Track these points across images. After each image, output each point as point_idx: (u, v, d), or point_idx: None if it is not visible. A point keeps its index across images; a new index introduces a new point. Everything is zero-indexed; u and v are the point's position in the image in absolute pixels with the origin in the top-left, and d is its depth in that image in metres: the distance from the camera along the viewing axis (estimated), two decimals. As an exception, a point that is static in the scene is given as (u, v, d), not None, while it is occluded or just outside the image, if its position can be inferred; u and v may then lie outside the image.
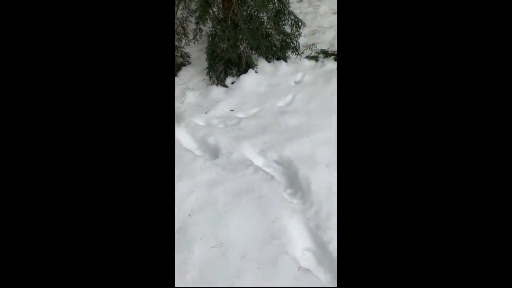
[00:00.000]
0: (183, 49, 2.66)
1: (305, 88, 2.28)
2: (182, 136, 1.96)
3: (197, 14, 2.19)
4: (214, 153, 1.83)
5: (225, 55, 2.18)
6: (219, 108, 2.16)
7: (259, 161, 1.71)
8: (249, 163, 1.67)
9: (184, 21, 2.51)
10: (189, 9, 2.50)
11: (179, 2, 2.50)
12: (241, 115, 2.11)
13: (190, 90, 2.35)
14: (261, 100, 2.20)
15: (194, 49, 2.84)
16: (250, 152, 1.76)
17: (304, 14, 3.47)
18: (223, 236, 1.30)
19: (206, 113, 2.13)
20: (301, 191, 1.53)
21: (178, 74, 2.58)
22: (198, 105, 2.22)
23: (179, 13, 2.52)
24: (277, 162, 1.71)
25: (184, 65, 2.70)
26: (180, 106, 2.23)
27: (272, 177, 1.57)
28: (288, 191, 1.57)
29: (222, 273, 1.18)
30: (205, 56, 2.41)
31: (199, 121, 2.07)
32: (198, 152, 1.87)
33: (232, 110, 2.15)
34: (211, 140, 1.86)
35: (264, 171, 1.61)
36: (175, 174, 1.61)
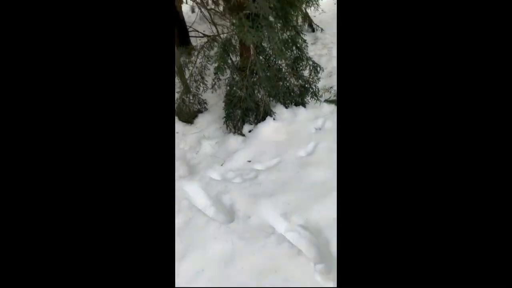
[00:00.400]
0: (200, 96, 2.50)
1: (327, 135, 2.00)
2: (196, 192, 1.69)
3: (216, 65, 2.03)
4: (229, 214, 1.53)
5: (242, 104, 1.97)
6: (235, 159, 1.90)
7: (281, 227, 1.40)
8: (271, 231, 1.35)
9: (203, 70, 2.38)
10: (208, 58, 2.38)
11: (198, 52, 2.39)
12: (259, 166, 1.84)
13: (206, 139, 2.13)
14: (281, 149, 1.93)
15: (212, 95, 2.68)
16: (270, 214, 1.45)
17: (319, 56, 3.35)
18: None
19: (222, 165, 1.87)
20: (335, 269, 1.18)
21: (194, 121, 2.39)
22: (214, 156, 1.97)
23: (198, 61, 2.40)
24: (303, 227, 1.39)
25: (201, 112, 2.52)
26: (195, 157, 1.99)
27: (300, 251, 1.24)
28: (319, 267, 1.22)
29: None
30: (222, 103, 2.22)
31: (214, 174, 1.81)
32: (211, 211, 1.58)
33: (249, 161, 1.88)
34: (227, 199, 1.57)
35: (289, 242, 1.29)
36: (184, 244, 1.31)
